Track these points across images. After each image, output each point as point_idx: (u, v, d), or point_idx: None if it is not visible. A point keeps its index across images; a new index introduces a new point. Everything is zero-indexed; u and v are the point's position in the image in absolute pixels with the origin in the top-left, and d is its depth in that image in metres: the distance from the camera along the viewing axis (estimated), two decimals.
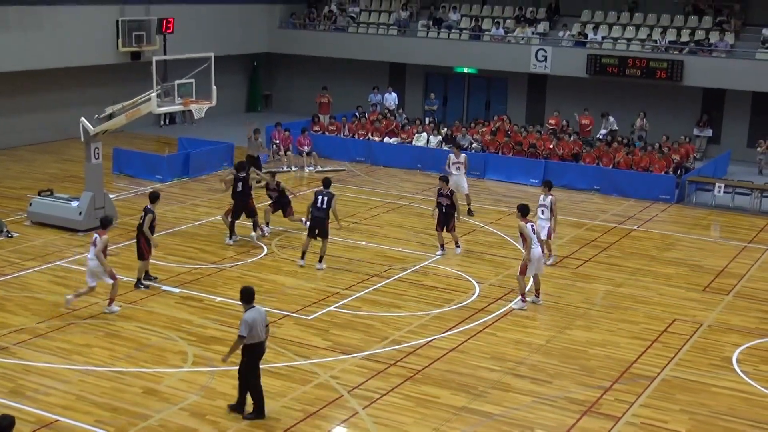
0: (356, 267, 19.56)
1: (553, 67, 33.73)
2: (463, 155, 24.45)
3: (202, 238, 21.42)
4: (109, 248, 16.79)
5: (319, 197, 19.24)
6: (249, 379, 12.64)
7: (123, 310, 16.65)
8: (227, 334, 15.48)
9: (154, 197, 18.19)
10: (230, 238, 20.89)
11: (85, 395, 13.28)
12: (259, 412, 12.67)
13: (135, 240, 18.00)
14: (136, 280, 17.86)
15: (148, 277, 18.08)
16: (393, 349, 15.31)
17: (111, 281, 16.42)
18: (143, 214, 17.61)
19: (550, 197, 19.63)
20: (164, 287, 17.86)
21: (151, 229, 17.71)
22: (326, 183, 19.75)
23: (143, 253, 17.71)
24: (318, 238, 19.33)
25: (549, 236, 19.80)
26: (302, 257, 19.45)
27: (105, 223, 16.67)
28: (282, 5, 39.78)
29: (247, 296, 12.69)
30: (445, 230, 20.46)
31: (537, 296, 17.62)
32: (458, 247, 20.79)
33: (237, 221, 20.92)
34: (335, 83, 37.62)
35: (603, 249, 21.54)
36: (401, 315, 16.90)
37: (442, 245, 20.60)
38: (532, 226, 17.30)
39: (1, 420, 9.31)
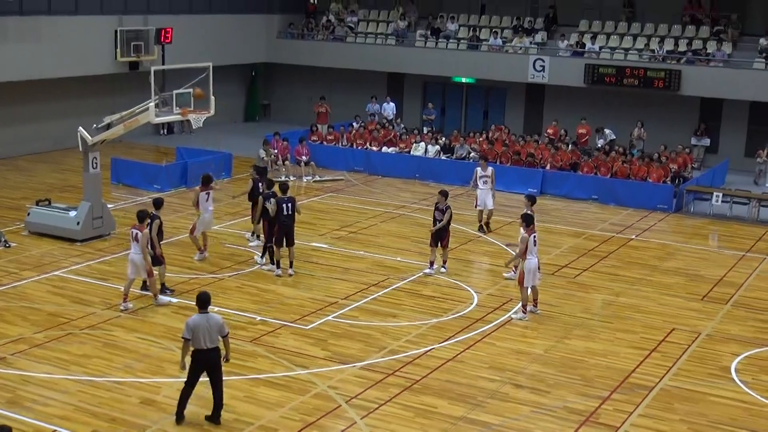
0: (354, 276, 19.55)
1: (551, 77, 33.78)
2: (490, 168, 23.51)
3: None
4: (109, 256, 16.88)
5: (283, 205, 19.05)
6: (185, 383, 12.72)
7: (120, 320, 16.64)
8: None
9: (158, 203, 18.22)
10: (262, 258, 20.21)
11: (83, 405, 13.25)
12: (177, 417, 12.79)
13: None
14: (159, 285, 17.87)
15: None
16: (391, 358, 15.29)
17: (149, 278, 17.08)
18: (149, 221, 17.53)
19: (489, 169, 22.55)
20: (162, 297, 17.83)
21: (159, 234, 17.71)
22: (284, 188, 19.50)
23: (158, 258, 17.72)
24: (286, 246, 19.22)
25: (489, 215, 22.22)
26: (278, 266, 19.35)
27: (141, 217, 17.09)
28: (280, 15, 39.85)
29: (200, 302, 12.71)
30: (439, 246, 19.83)
31: (535, 306, 17.60)
32: (444, 267, 19.93)
33: (199, 236, 20.50)
34: (333, 93, 37.70)
35: (601, 258, 21.54)
36: (399, 325, 16.89)
37: (431, 263, 19.91)
38: (535, 237, 17.24)
39: None
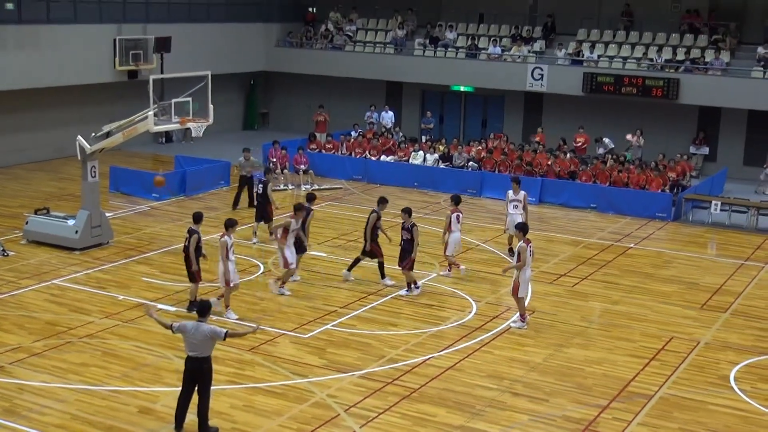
0: (353, 285, 19.53)
1: (550, 86, 33.83)
2: (522, 192, 21.74)
3: None
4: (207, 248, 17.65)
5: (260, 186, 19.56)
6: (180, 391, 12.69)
7: (118, 329, 16.62)
8: (223, 353, 15.44)
9: (197, 217, 17.69)
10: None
11: (81, 414, 13.23)
12: (177, 425, 12.68)
13: (184, 263, 17.68)
14: (188, 302, 17.67)
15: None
16: (390, 367, 15.27)
17: (225, 287, 17.18)
18: (188, 236, 17.27)
19: (521, 192, 21.23)
20: (161, 306, 17.80)
21: (197, 249, 17.32)
22: (197, 218, 18.16)
23: (194, 275, 17.49)
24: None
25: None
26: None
27: (228, 225, 17.17)
28: (279, 24, 39.93)
29: (198, 309, 12.68)
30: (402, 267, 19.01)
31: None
32: (408, 290, 19.02)
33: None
34: (332, 101, 37.75)
35: (600, 267, 21.53)
36: (398, 333, 16.87)
37: (409, 284, 19.14)
38: (531, 247, 17.16)
39: None
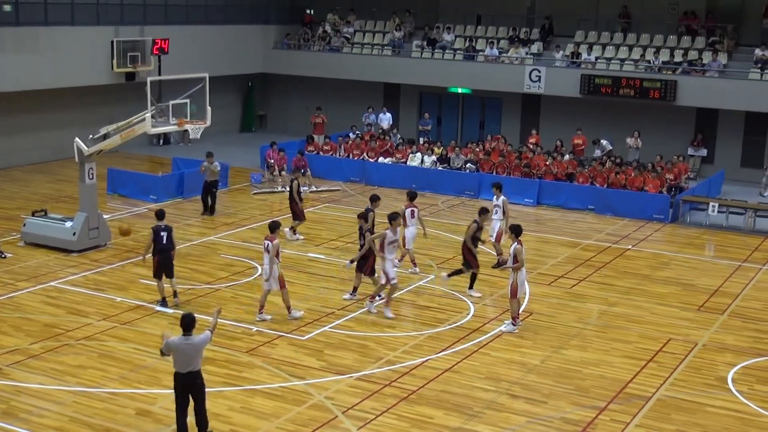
0: (351, 287, 19.51)
1: (547, 87, 33.84)
2: (502, 198, 21.11)
3: (196, 258, 21.39)
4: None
5: (162, 234, 17.65)
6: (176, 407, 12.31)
7: (116, 331, 16.61)
8: (220, 355, 15.46)
9: (274, 226, 17.45)
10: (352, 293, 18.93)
11: (79, 416, 13.22)
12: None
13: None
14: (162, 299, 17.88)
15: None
16: (387, 369, 15.27)
17: (282, 289, 17.18)
18: (266, 245, 17.09)
19: (501, 197, 20.83)
20: (158, 308, 17.80)
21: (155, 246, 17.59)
22: (160, 215, 18.09)
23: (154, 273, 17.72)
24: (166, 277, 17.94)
25: (498, 239, 20.72)
26: (163, 302, 17.89)
27: (273, 228, 17.26)
28: (276, 26, 39.92)
29: (183, 323, 12.09)
30: (363, 273, 18.41)
31: (372, 300, 17.88)
32: (375, 302, 18.14)
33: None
34: (330, 103, 37.75)
35: (597, 269, 21.54)
36: (396, 335, 16.87)
37: (354, 288, 18.65)
38: (523, 249, 17.10)
39: None
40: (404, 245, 20.44)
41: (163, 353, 12.26)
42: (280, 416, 13.41)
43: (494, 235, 21.08)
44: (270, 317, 17.32)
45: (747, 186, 30.57)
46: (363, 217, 18.94)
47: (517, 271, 16.91)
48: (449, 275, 19.43)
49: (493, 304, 18.75)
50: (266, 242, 17.11)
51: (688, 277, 21.17)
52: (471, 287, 19.18)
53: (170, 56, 33.81)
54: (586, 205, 27.58)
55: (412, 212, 20.54)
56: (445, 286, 19.59)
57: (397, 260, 19.16)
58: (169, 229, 17.73)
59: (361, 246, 18.47)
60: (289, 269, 20.06)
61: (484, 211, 19.39)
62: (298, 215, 23.18)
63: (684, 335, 17.30)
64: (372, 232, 18.72)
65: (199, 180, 26.36)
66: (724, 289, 20.38)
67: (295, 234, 23.05)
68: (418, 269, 20.61)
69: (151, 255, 17.81)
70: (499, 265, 19.14)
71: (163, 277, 17.71)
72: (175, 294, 17.91)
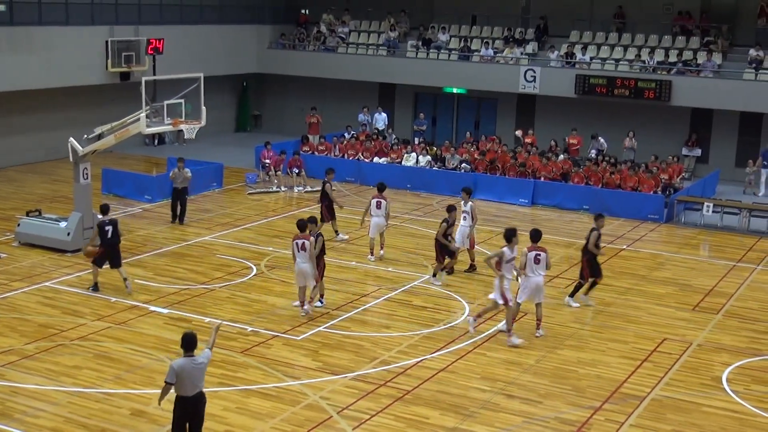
0: (346, 287, 19.52)
1: (542, 88, 33.86)
2: (470, 203, 20.68)
3: (191, 258, 21.37)
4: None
5: (108, 228, 18.34)
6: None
7: (111, 331, 16.58)
8: (216, 355, 15.41)
9: (104, 209, 18.75)
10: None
11: (74, 417, 13.19)
12: None
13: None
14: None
15: None
16: (383, 369, 15.26)
17: (314, 284, 17.51)
18: (302, 243, 17.18)
19: (470, 203, 20.54)
20: (153, 308, 17.79)
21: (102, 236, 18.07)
22: (104, 209, 18.84)
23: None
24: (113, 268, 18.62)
25: (472, 245, 20.58)
26: (95, 287, 18.65)
27: (302, 226, 17.41)
28: (272, 26, 39.91)
29: (186, 343, 11.29)
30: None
31: (538, 328, 16.94)
32: (322, 301, 18.02)
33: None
34: (325, 103, 37.72)
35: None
36: (391, 335, 16.87)
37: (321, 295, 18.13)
38: (536, 255, 16.56)
39: None
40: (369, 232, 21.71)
41: (168, 384, 11.21)
42: (276, 416, 13.39)
43: (462, 240, 20.29)
44: (309, 308, 17.62)
45: (742, 186, 30.62)
46: (312, 221, 17.90)
47: (525, 275, 16.55)
48: (573, 295, 18.89)
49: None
50: (300, 241, 17.21)
51: (683, 277, 21.18)
52: (435, 275, 20.09)
53: (165, 56, 33.77)
54: (581, 205, 27.60)
55: (378, 203, 21.36)
56: (436, 285, 19.61)
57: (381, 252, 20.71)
58: (114, 223, 18.65)
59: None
60: (287, 270, 20.07)
61: (451, 209, 19.98)
62: (329, 215, 23.20)
63: (679, 335, 17.32)
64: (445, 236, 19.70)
65: (195, 180, 26.36)
66: (719, 288, 20.40)
67: (338, 234, 23.28)
68: (373, 257, 21.52)
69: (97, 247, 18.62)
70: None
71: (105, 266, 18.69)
72: (125, 280, 18.61)
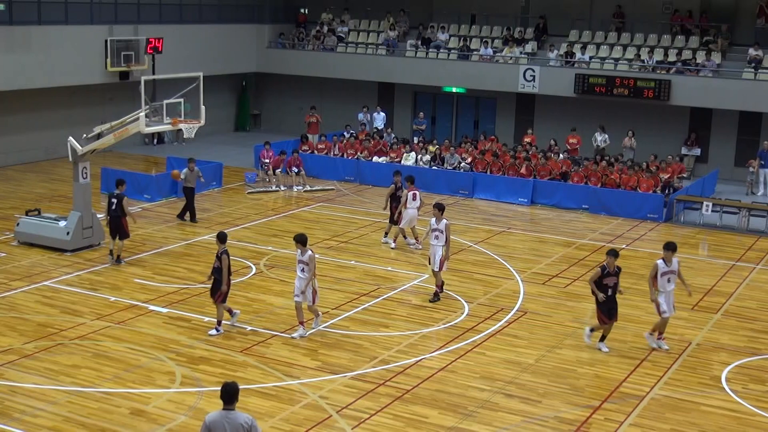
0: (345, 286, 19.53)
1: (541, 87, 33.87)
2: (444, 221, 18.64)
3: (191, 257, 21.37)
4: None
5: (113, 201, 20.61)
6: None
7: (110, 330, 16.58)
8: (215, 354, 15.44)
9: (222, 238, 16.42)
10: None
11: (73, 416, 13.19)
12: None
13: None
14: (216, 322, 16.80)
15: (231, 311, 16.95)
16: (382, 368, 15.27)
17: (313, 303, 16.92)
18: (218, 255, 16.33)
19: (443, 221, 18.57)
20: (152, 307, 17.79)
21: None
22: (117, 183, 21.15)
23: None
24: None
25: (441, 266, 18.52)
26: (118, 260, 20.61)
27: (303, 241, 16.36)
28: (271, 25, 39.91)
29: (225, 395, 9.61)
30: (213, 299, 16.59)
31: (660, 338, 16.62)
32: (219, 328, 16.59)
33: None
34: (324, 103, 37.74)
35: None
36: (390, 334, 16.87)
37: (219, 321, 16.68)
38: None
39: None
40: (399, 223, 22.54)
41: None
42: (275, 416, 13.39)
43: (436, 262, 18.53)
44: (306, 332, 16.60)
45: (741, 185, 30.62)
46: (221, 238, 16.49)
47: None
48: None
49: (489, 303, 18.76)
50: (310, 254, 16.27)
51: (682, 276, 21.13)
52: (386, 235, 22.73)
53: (164, 55, 33.77)
54: (581, 204, 27.60)
55: (414, 195, 22.49)
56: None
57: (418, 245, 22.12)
58: (119, 197, 20.52)
59: (214, 269, 16.40)
60: (286, 269, 20.07)
61: (397, 173, 23.15)
62: (396, 219, 22.89)
63: (678, 334, 17.32)
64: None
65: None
66: (718, 288, 20.41)
67: (386, 237, 23.25)
68: (420, 245, 22.44)
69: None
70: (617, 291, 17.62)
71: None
72: (118, 258, 20.47)
